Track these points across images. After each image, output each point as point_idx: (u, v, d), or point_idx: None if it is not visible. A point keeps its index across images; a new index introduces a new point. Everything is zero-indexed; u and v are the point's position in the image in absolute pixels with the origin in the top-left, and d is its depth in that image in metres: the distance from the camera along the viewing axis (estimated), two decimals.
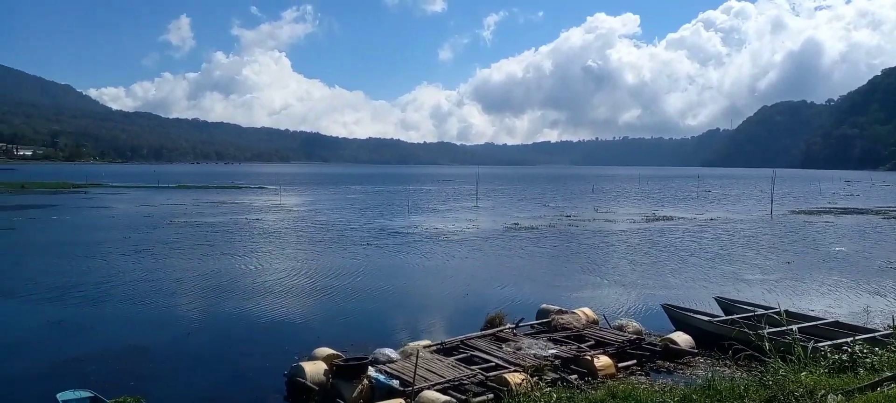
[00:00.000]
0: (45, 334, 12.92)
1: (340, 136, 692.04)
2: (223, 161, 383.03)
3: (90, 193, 64.74)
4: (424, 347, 10.79)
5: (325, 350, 10.46)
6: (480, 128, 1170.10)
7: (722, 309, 13.96)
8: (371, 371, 9.48)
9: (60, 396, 8.64)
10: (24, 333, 12.95)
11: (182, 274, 19.85)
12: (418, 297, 17.72)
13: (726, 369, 10.39)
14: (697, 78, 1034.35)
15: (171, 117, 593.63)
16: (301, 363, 9.87)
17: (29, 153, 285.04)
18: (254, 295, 16.97)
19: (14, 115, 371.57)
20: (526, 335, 12.16)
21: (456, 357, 10.65)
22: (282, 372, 9.98)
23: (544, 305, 13.69)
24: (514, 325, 12.45)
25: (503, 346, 11.13)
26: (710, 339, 11.78)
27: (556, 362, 10.37)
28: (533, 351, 10.77)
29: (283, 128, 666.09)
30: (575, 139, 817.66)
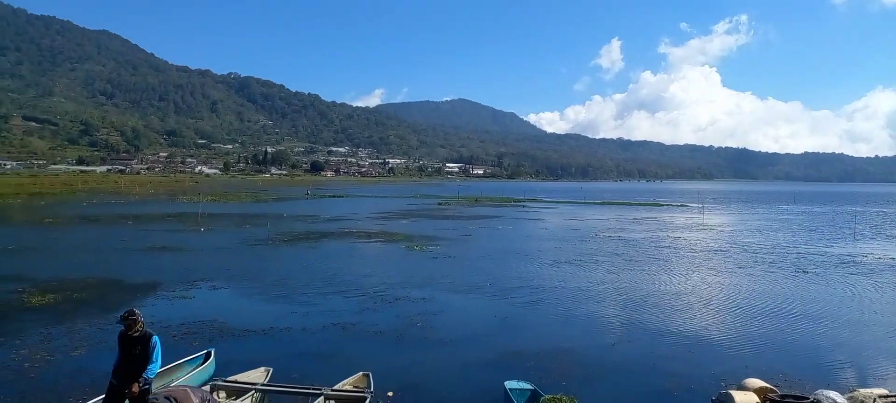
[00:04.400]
0: (494, 328, 14.89)
1: (771, 151, 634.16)
2: (645, 178, 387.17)
3: (527, 207, 72.63)
4: (880, 397, 9.12)
5: (757, 382, 9.67)
6: None
7: None
8: None
9: (507, 384, 9.86)
10: (477, 325, 15.09)
11: (607, 285, 20.75)
12: (869, 335, 15.02)
13: None
14: None
15: (597, 137, 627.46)
16: (730, 390, 9.34)
17: (480, 172, 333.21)
18: (676, 312, 16.73)
19: (472, 141, 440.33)
20: None
21: None
22: (709, 398, 9.61)
23: None
24: None
25: None
26: None
27: None
28: None
29: (707, 144, 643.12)
30: None
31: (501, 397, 9.81)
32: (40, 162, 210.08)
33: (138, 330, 7.31)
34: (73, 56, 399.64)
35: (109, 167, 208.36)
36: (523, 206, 73.71)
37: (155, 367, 7.40)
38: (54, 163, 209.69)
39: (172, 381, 9.36)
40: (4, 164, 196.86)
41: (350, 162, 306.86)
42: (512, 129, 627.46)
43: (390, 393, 10.01)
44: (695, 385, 10.84)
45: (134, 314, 7.34)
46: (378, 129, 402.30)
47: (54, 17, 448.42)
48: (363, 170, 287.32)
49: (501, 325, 15.14)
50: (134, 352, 7.23)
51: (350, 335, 13.88)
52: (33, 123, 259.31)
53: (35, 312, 15.47)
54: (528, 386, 9.85)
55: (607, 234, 38.75)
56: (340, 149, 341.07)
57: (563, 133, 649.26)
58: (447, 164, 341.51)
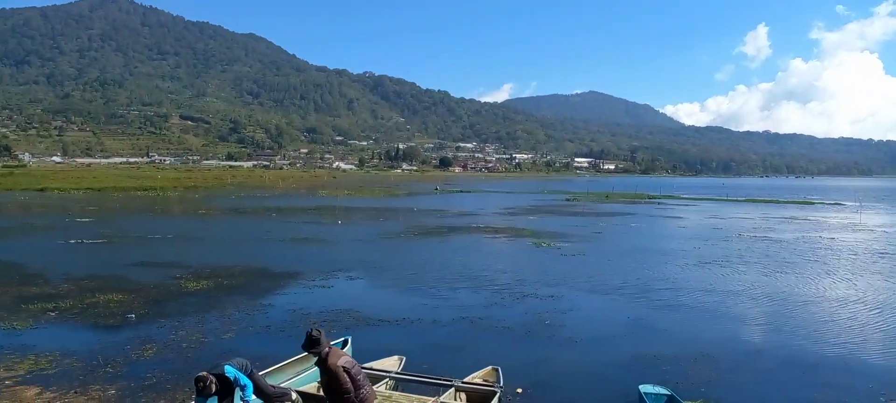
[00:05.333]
0: (627, 329, 14.37)
1: None
2: (794, 174, 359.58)
3: (663, 204, 69.70)
4: None
5: None
6: None
7: None
8: None
9: (642, 388, 9.47)
10: (610, 327, 14.61)
11: (752, 287, 19.40)
12: None
13: None
14: None
15: (741, 130, 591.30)
16: None
17: (612, 167, 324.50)
18: (831, 319, 15.29)
19: (603, 134, 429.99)
20: None
21: None
22: None
23: None
24: None
25: None
26: None
27: None
28: None
29: (866, 137, 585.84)
30: None
31: (635, 401, 9.45)
32: (195, 157, 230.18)
33: (212, 389, 6.95)
34: (223, 58, 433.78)
35: (255, 162, 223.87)
36: (658, 203, 70.81)
37: (249, 387, 7.23)
38: (207, 159, 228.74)
39: (312, 367, 9.81)
40: (164, 160, 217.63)
41: (477, 157, 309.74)
42: (646, 122, 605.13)
43: (520, 390, 9.94)
44: (850, 398, 9.90)
45: (205, 380, 6.93)
46: (505, 124, 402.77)
47: (208, 23, 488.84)
48: (490, 165, 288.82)
49: (635, 326, 14.59)
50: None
51: (478, 329, 13.95)
52: (189, 122, 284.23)
53: (191, 297, 16.88)
54: (664, 391, 9.41)
55: (752, 234, 36.31)
56: (468, 145, 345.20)
57: (703, 125, 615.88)
58: (576, 159, 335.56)
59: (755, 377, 11.09)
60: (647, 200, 76.43)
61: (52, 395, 9.47)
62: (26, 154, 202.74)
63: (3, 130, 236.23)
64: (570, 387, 10.40)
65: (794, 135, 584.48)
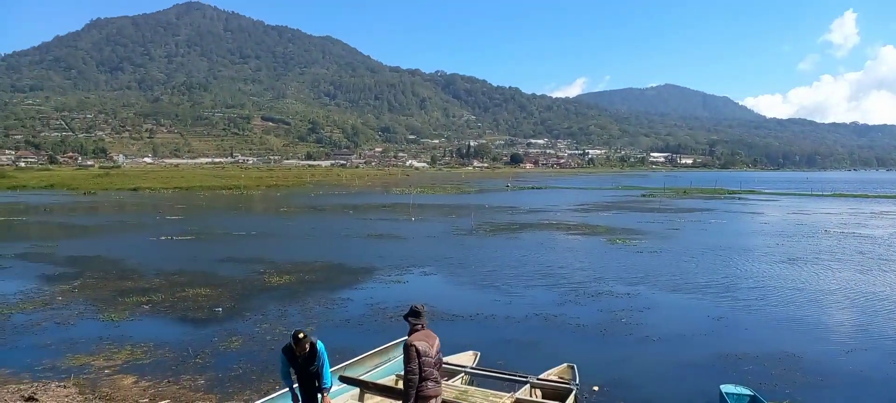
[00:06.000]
0: (707, 328, 13.98)
1: None
2: (885, 167, 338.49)
3: (744, 199, 67.11)
4: None
5: None
6: None
7: None
8: None
9: (723, 388, 9.24)
10: (689, 325, 14.24)
11: (837, 286, 18.48)
12: None
13: None
14: None
15: (826, 122, 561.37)
16: None
17: (689, 161, 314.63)
18: None
19: (679, 128, 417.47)
20: None
21: None
22: None
23: None
24: None
25: None
26: None
27: None
28: None
29: None
30: None
31: (716, 401, 9.23)
32: (276, 157, 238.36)
33: (306, 347, 7.21)
34: (302, 61, 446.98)
35: (333, 161, 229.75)
36: (739, 198, 68.22)
37: (328, 367, 7.43)
38: (287, 159, 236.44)
39: (389, 360, 10.07)
40: (247, 160, 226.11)
41: (549, 153, 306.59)
42: (725, 115, 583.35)
43: (596, 387, 9.88)
44: None
45: (306, 337, 7.20)
46: (577, 120, 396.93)
47: (286, 26, 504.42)
48: (562, 161, 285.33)
49: (715, 325, 14.18)
50: (310, 369, 7.32)
51: (552, 326, 13.91)
52: (270, 123, 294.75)
53: (274, 291, 17.56)
54: (746, 392, 9.14)
55: (840, 230, 34.52)
56: (539, 141, 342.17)
57: (785, 118, 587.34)
58: (652, 154, 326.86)
59: (844, 379, 10.62)
60: (727, 195, 73.72)
61: (147, 384, 10.09)
62: (120, 155, 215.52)
63: (100, 133, 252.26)
64: (648, 386, 10.25)
65: (885, 126, 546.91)
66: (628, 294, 17.30)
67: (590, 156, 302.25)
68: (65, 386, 9.86)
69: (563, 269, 21.27)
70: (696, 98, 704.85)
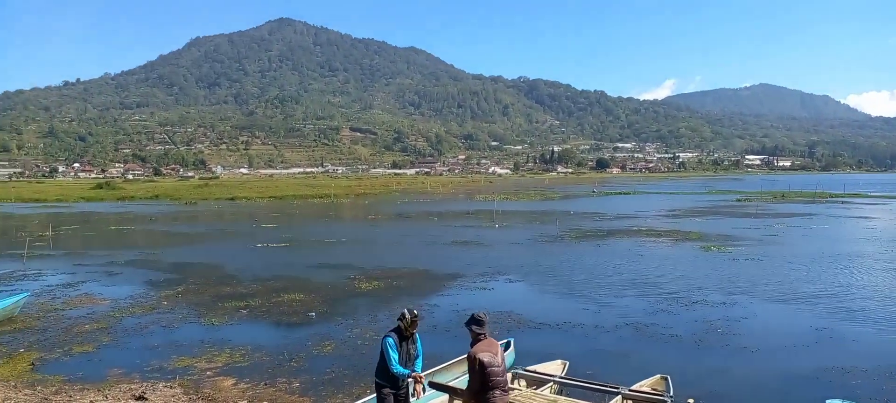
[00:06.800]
0: (811, 339, 13.21)
1: None
2: None
3: (849, 203, 63.09)
4: None
5: None
6: None
7: None
8: None
9: (829, 402, 8.74)
10: (791, 336, 13.49)
11: None
12: None
13: None
14: None
15: None
16: None
17: (787, 164, 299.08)
18: None
19: (776, 129, 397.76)
20: None
21: None
22: None
23: None
24: None
25: None
26: None
27: None
28: None
29: None
30: None
31: None
32: (363, 166, 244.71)
33: (416, 327, 7.34)
34: (387, 72, 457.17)
35: (417, 169, 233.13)
36: (842, 202, 64.15)
37: (421, 356, 7.54)
38: (374, 167, 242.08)
39: None
40: (336, 169, 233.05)
41: (636, 157, 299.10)
42: (826, 114, 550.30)
43: (691, 400, 9.51)
44: None
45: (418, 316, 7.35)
46: (667, 122, 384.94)
47: (373, 39, 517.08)
48: (650, 165, 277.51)
49: (820, 336, 13.40)
50: (412, 352, 7.41)
51: (644, 336, 13.55)
52: (358, 133, 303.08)
53: (364, 296, 17.99)
54: None
55: None
56: (626, 145, 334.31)
57: (892, 116, 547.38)
58: (746, 157, 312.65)
59: None
60: (830, 199, 69.49)
61: (245, 386, 10.54)
62: (218, 166, 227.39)
63: (200, 146, 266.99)
64: (747, 399, 9.82)
65: None
66: (724, 302, 16.62)
67: (680, 160, 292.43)
68: (171, 387, 10.43)
69: (654, 277, 20.68)
70: (794, 97, 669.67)
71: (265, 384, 10.59)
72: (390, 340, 7.23)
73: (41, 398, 9.65)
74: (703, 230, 36.02)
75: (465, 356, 10.10)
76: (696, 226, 38.46)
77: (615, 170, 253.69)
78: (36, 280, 21.60)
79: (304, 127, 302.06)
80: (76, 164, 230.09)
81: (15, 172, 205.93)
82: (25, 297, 16.62)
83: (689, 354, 12.24)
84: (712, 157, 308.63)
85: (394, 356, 7.19)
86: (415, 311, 7.32)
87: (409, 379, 7.42)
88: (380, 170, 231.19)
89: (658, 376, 9.66)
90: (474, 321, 6.94)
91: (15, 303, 15.83)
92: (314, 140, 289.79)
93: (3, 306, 15.38)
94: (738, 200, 68.44)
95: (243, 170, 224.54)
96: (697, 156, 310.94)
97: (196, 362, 11.86)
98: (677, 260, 24.85)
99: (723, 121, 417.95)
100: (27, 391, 10.11)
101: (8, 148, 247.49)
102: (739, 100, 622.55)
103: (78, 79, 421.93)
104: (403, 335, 7.30)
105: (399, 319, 7.33)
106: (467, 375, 9.80)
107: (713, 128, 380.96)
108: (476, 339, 6.89)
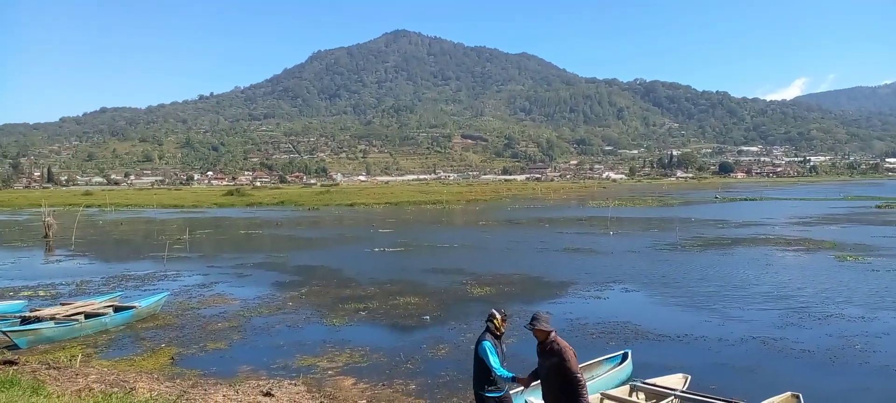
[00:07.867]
0: None
1: None
2: None
3: None
4: None
5: None
6: None
7: None
8: None
9: None
10: None
11: None
12: None
13: None
14: None
15: None
16: None
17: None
18: None
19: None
20: None
21: None
22: None
23: None
24: None
25: None
26: None
27: None
28: None
29: None
30: None
31: None
32: (474, 173, 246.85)
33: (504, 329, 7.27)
34: (498, 79, 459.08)
35: (528, 175, 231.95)
36: None
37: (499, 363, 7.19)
38: (485, 174, 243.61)
39: (592, 377, 9.96)
40: (448, 175, 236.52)
41: (763, 161, 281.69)
42: None
43: None
44: None
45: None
46: (796, 124, 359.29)
47: (484, 46, 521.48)
48: (778, 169, 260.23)
49: None
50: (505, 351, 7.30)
51: (772, 350, 12.79)
52: (469, 140, 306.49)
53: (476, 301, 18.18)
54: None
55: None
56: (752, 148, 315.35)
57: None
58: (887, 159, 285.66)
59: None
60: None
61: (364, 386, 10.95)
62: (339, 174, 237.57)
63: (321, 155, 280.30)
64: None
65: None
66: (862, 317, 15.38)
67: (812, 164, 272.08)
68: (295, 384, 11.00)
69: (783, 289, 19.45)
70: None
71: (383, 384, 10.95)
72: (488, 344, 6.98)
73: (180, 391, 10.43)
74: (839, 239, 33.39)
75: (582, 365, 10.00)
76: (830, 235, 35.72)
77: (740, 175, 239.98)
78: (175, 280, 23.48)
79: (418, 135, 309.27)
80: (209, 173, 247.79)
81: (156, 180, 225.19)
82: (166, 296, 18.24)
83: (823, 371, 11.44)
84: (848, 160, 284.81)
85: (495, 360, 6.94)
86: (503, 310, 7.30)
87: (516, 387, 7.19)
88: (490, 176, 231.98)
89: (789, 393, 9.12)
90: (535, 318, 6.89)
91: (157, 302, 17.42)
92: (427, 147, 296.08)
93: (148, 304, 16.94)
94: (878, 207, 62.72)
95: (361, 178, 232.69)
96: (831, 159, 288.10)
97: (318, 361, 12.45)
98: (809, 271, 23.22)
99: (860, 121, 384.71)
100: (168, 383, 11.01)
101: (151, 158, 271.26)
102: (878, 98, 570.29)
103: (211, 93, 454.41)
104: (497, 336, 7.16)
105: (489, 320, 7.19)
106: (589, 384, 9.73)
107: (849, 130, 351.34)
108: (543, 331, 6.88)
